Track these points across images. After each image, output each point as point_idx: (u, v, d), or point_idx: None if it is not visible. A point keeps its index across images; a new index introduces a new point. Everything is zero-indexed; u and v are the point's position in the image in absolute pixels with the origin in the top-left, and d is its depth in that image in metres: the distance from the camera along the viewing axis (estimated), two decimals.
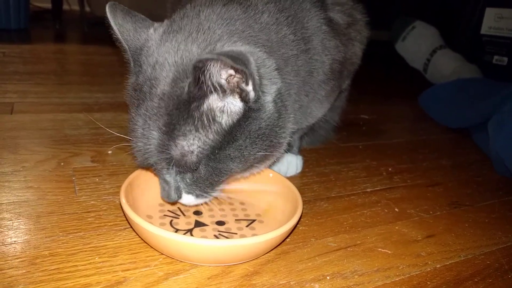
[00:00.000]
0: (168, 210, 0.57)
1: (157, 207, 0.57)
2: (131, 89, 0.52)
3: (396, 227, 0.62)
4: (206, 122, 0.47)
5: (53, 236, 0.50)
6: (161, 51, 0.49)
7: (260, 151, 0.50)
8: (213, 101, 0.46)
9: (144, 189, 0.58)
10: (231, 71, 0.44)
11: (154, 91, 0.47)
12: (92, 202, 0.59)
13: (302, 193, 0.68)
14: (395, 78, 1.85)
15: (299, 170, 0.76)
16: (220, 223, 0.55)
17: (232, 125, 0.47)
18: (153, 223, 0.52)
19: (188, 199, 0.52)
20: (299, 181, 0.74)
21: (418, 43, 1.65)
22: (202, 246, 0.43)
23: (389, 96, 1.60)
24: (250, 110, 0.48)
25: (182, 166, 0.48)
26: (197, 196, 0.52)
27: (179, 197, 0.52)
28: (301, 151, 0.81)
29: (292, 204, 0.55)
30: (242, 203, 0.60)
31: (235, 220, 0.56)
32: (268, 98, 0.49)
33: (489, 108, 0.93)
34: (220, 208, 0.59)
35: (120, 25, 0.52)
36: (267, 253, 0.51)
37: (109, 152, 0.76)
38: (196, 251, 0.44)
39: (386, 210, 0.67)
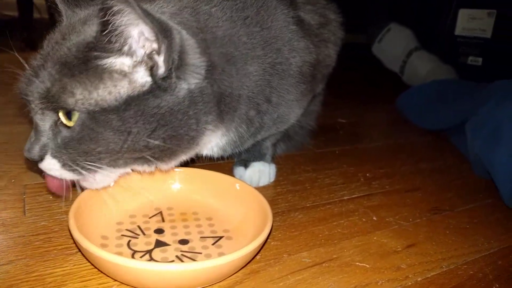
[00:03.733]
0: (127, 230, 0.52)
1: (114, 226, 0.52)
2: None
3: (375, 238, 0.58)
4: (103, 78, 0.43)
5: None
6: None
7: (154, 138, 0.45)
8: (118, 62, 0.43)
9: (101, 206, 0.53)
10: (149, 35, 0.42)
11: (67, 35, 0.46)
12: (42, 223, 0.53)
13: (275, 203, 0.65)
14: (372, 80, 1.84)
15: (272, 179, 0.72)
16: (184, 241, 0.50)
17: (130, 95, 0.44)
18: (109, 245, 0.48)
19: (50, 164, 0.46)
20: (273, 190, 0.69)
21: (393, 45, 1.65)
22: (157, 271, 0.38)
23: (367, 99, 1.57)
24: (156, 87, 0.45)
25: (56, 107, 0.44)
26: (64, 165, 0.46)
27: (41, 158, 0.46)
28: (274, 159, 0.77)
29: (262, 218, 0.51)
30: (209, 218, 0.56)
31: (200, 237, 0.51)
32: (184, 86, 0.46)
33: (466, 110, 0.91)
34: (185, 224, 0.54)
35: None
36: (234, 273, 0.46)
37: None
38: (150, 277, 0.39)
39: (364, 219, 0.63)
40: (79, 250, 0.47)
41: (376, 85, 1.82)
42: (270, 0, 0.59)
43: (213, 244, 0.50)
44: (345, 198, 0.69)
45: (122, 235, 0.50)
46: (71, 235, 0.44)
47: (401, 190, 0.75)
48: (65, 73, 0.44)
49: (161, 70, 0.45)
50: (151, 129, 0.45)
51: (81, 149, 0.45)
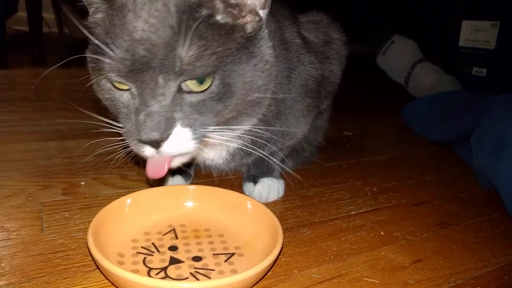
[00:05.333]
0: (142, 247, 0.53)
1: (129, 243, 0.54)
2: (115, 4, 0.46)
3: (383, 253, 0.59)
4: (228, 33, 0.46)
5: (13, 283, 0.46)
6: None
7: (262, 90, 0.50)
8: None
9: (118, 224, 0.54)
10: None
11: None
12: (60, 241, 0.55)
13: (284, 219, 0.66)
14: (377, 91, 1.85)
15: (281, 194, 0.73)
16: (197, 258, 0.52)
17: (248, 43, 0.48)
18: (125, 262, 0.49)
19: (181, 136, 0.45)
20: (282, 206, 0.71)
21: (398, 57, 1.66)
22: None
23: (372, 110, 1.59)
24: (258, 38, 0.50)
25: (189, 75, 0.43)
26: (194, 134, 0.46)
27: (166, 134, 0.44)
28: (283, 174, 0.78)
29: (272, 235, 0.53)
30: (220, 235, 0.57)
31: (213, 254, 0.53)
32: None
33: (471, 122, 0.92)
34: (197, 241, 0.55)
35: None
36: None
37: (82, 183, 0.72)
38: None
39: (371, 234, 0.64)
40: (98, 268, 0.48)
41: (381, 96, 1.83)
42: (282, 17, 0.61)
43: (225, 261, 0.52)
44: (352, 213, 0.71)
45: (138, 253, 0.52)
46: (90, 252, 0.46)
47: (407, 204, 0.76)
48: (193, 35, 0.43)
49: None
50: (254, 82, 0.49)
51: (214, 110, 0.47)
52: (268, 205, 0.70)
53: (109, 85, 0.50)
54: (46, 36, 2.84)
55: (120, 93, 0.49)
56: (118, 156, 0.57)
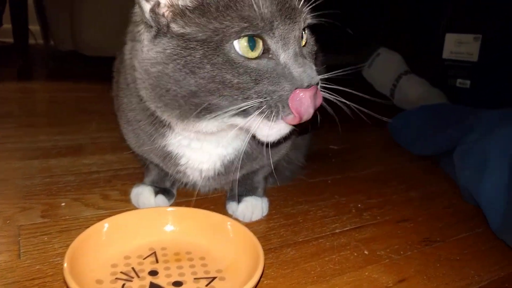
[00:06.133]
0: (121, 272, 0.52)
1: (108, 269, 0.52)
2: None
3: (366, 273, 0.59)
4: None
5: None
6: None
7: None
8: None
9: (96, 249, 0.53)
10: None
11: None
12: (37, 267, 0.54)
13: (268, 239, 0.65)
14: (364, 103, 1.86)
15: (265, 213, 0.73)
16: (177, 283, 0.51)
17: None
18: None
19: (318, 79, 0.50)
20: (266, 225, 0.70)
21: (383, 70, 1.68)
22: None
23: (358, 122, 1.59)
24: None
25: (305, 24, 0.52)
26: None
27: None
28: (267, 191, 0.78)
29: (253, 258, 0.52)
30: (202, 258, 0.56)
31: (194, 279, 0.52)
32: None
33: (455, 137, 0.93)
34: (178, 265, 0.54)
35: None
36: None
37: (63, 204, 0.71)
38: None
39: (355, 254, 0.64)
40: None
41: (368, 107, 1.84)
42: None
43: (206, 285, 0.51)
44: (337, 231, 0.70)
45: (117, 278, 0.51)
46: (65, 281, 0.45)
47: (392, 221, 0.76)
48: None
49: None
50: None
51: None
52: (251, 224, 0.70)
53: (237, 59, 0.47)
54: (33, 48, 2.82)
55: (254, 62, 0.47)
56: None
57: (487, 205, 0.72)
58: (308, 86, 0.48)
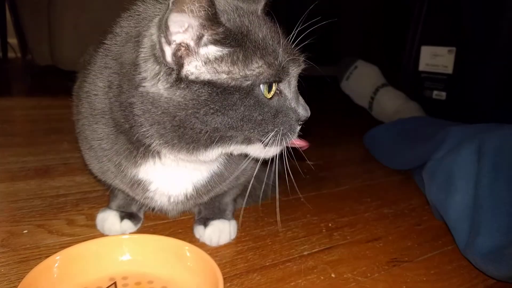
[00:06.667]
0: None
1: None
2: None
3: None
4: None
5: None
6: None
7: None
8: None
9: (49, 285, 0.52)
10: None
11: None
12: None
13: (234, 264, 0.65)
14: (342, 115, 1.88)
15: (233, 236, 0.72)
16: None
17: None
18: None
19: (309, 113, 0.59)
20: (233, 249, 0.69)
21: (361, 82, 1.70)
22: None
23: (336, 135, 1.60)
24: None
25: None
26: None
27: None
28: (240, 212, 0.77)
29: (214, 286, 0.51)
30: (164, 287, 0.55)
31: None
32: None
33: (426, 153, 0.94)
34: None
35: None
36: None
37: (25, 231, 0.69)
38: None
39: (322, 277, 0.63)
40: None
41: (346, 119, 1.86)
42: None
43: None
44: (305, 253, 0.70)
45: None
46: None
47: (362, 241, 0.76)
48: None
49: None
50: None
51: None
52: (219, 248, 0.69)
53: (263, 100, 0.53)
54: (13, 62, 2.79)
55: (271, 101, 0.54)
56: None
57: (453, 223, 0.72)
58: (305, 119, 0.58)
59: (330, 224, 0.81)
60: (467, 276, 0.68)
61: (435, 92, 1.67)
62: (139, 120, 0.52)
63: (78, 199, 0.83)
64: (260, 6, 0.59)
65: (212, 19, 0.48)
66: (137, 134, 0.54)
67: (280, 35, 0.55)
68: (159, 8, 0.53)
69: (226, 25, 0.49)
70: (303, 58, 0.58)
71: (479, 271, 0.67)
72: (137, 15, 0.55)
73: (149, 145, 0.55)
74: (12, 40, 2.69)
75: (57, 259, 0.52)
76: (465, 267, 0.70)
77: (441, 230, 0.83)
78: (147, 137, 0.53)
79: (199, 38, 0.49)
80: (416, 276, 0.66)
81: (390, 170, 1.17)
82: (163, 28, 0.48)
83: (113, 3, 1.94)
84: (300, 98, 0.59)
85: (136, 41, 0.52)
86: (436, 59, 1.65)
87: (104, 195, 0.84)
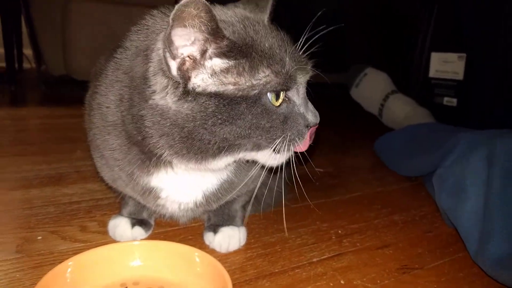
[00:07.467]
0: None
1: None
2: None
3: None
4: None
5: None
6: None
7: None
8: None
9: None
10: None
11: None
12: None
13: (244, 270, 0.65)
14: (352, 122, 1.88)
15: (243, 243, 0.72)
16: None
17: None
18: None
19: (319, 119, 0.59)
20: (243, 255, 0.70)
21: (371, 90, 1.70)
22: None
23: (346, 142, 1.61)
24: None
25: None
26: None
27: None
28: (249, 219, 0.78)
29: None
30: None
31: None
32: None
33: (436, 160, 0.93)
34: None
35: None
36: None
37: (39, 238, 0.71)
38: None
39: (331, 284, 0.63)
40: None
41: (358, 126, 1.85)
42: None
43: None
44: (314, 260, 0.70)
45: None
46: None
47: (372, 248, 0.76)
48: None
49: None
50: None
51: None
52: (229, 255, 0.70)
53: (271, 108, 0.53)
54: (28, 72, 2.85)
55: (279, 109, 0.54)
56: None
57: (464, 230, 0.71)
58: (315, 125, 0.58)
59: (339, 231, 0.81)
60: (479, 283, 0.67)
61: (445, 99, 1.66)
62: (150, 132, 0.54)
63: (90, 206, 0.84)
64: (266, 15, 0.60)
65: (214, 33, 0.48)
66: (149, 145, 0.55)
67: (287, 43, 0.55)
68: (166, 22, 0.55)
69: (230, 38, 0.50)
70: (310, 66, 0.58)
71: (490, 278, 0.67)
72: (146, 28, 0.57)
73: (161, 155, 0.56)
74: (27, 51, 2.75)
75: (70, 264, 0.53)
76: (477, 274, 0.69)
77: (452, 237, 0.82)
78: (158, 147, 0.55)
79: (204, 51, 0.50)
80: (426, 283, 0.66)
81: (401, 177, 1.17)
82: (167, 43, 0.49)
83: (126, 15, 1.98)
84: (309, 104, 0.59)
85: (145, 55, 0.54)
86: (446, 65, 1.64)
87: (116, 202, 0.85)
